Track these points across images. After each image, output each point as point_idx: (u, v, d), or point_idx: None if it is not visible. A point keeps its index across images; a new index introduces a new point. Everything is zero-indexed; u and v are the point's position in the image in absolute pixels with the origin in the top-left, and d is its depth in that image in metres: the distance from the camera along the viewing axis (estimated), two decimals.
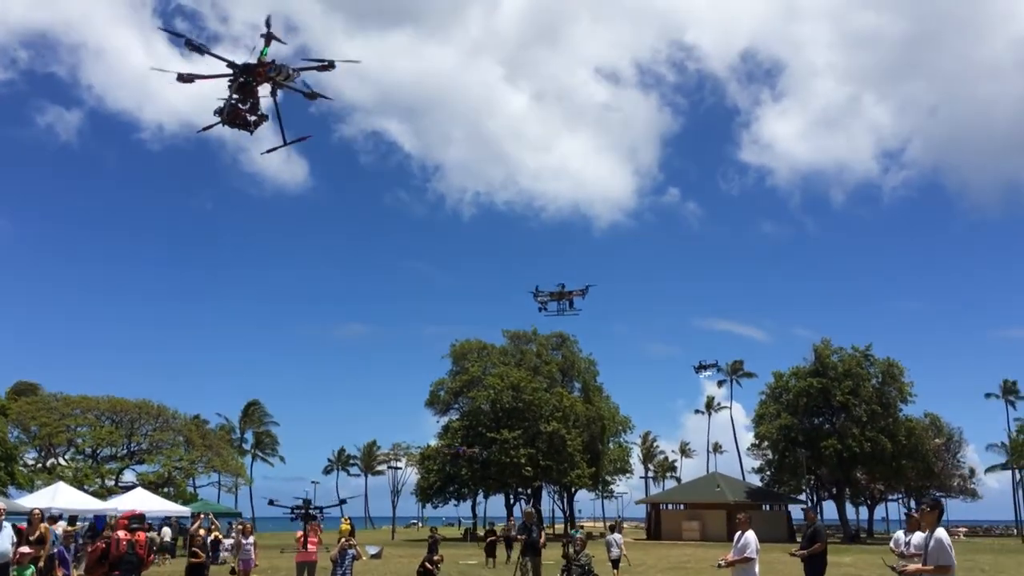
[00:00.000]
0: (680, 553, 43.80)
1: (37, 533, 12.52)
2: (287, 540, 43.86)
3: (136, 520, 10.77)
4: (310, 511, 24.35)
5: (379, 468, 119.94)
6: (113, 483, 54.01)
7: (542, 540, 20.10)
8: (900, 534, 14.07)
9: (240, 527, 24.75)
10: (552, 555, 24.29)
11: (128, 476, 56.68)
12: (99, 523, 34.38)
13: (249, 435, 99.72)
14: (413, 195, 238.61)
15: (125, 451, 57.36)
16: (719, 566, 13.56)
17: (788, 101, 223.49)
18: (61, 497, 34.25)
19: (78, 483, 45.09)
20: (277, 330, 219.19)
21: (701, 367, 67.61)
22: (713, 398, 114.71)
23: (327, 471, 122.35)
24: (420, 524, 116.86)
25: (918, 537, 13.37)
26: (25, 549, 12.03)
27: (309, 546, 19.38)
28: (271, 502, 30.55)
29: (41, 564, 12.95)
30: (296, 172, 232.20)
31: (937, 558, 8.14)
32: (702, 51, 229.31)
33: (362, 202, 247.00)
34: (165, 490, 52.85)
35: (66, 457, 55.18)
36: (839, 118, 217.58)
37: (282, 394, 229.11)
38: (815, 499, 76.51)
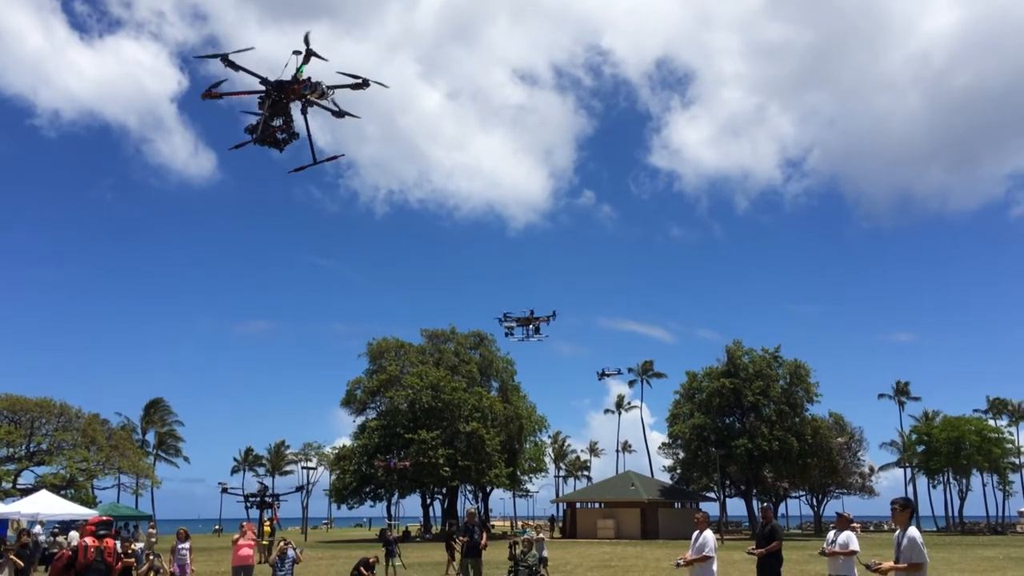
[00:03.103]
0: (600, 552, 44.28)
1: None
2: (199, 543, 42.51)
3: (104, 526, 10.16)
4: (266, 498, 23.71)
5: (288, 468, 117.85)
6: (11, 486, 51.32)
7: (483, 541, 20.04)
8: (831, 534, 14.34)
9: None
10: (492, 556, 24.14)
11: (27, 478, 53.97)
12: (1, 528, 32.60)
13: (151, 435, 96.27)
14: (325, 191, 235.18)
15: (24, 452, 54.54)
16: (677, 565, 13.60)
17: (697, 108, 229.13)
18: None
19: None
20: (178, 326, 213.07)
21: (604, 374, 68.70)
22: (623, 397, 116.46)
23: (234, 471, 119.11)
24: (330, 525, 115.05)
25: (844, 536, 13.79)
26: None
27: (245, 549, 18.82)
28: (225, 489, 29.61)
29: None
30: (203, 165, 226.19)
31: (911, 555, 8.37)
32: (617, 56, 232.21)
33: (272, 197, 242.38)
34: (63, 492, 50.52)
35: None
36: (745, 126, 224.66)
37: (183, 392, 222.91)
38: (724, 496, 78.63)
